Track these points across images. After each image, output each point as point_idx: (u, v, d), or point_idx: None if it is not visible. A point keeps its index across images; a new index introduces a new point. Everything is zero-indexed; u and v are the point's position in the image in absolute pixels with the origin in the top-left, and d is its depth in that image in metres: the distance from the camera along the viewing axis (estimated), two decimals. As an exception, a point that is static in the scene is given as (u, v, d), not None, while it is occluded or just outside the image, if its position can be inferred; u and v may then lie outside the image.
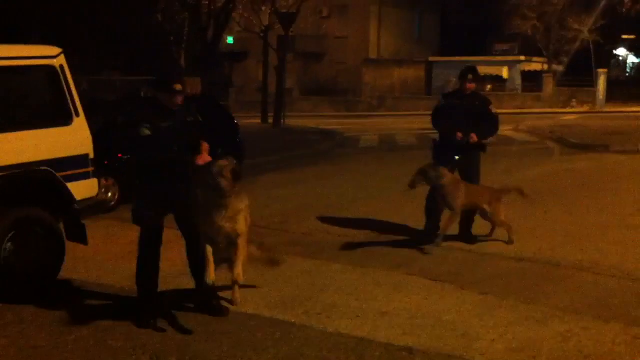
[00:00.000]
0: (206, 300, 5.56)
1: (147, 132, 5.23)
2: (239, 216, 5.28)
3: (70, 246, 6.48)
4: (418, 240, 7.68)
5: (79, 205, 6.47)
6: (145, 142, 5.26)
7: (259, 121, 27.07)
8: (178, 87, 5.33)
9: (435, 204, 7.60)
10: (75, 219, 6.42)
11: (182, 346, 4.95)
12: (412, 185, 7.42)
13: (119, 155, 10.16)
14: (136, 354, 4.83)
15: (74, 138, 6.63)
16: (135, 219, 5.53)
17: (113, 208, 9.80)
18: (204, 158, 5.29)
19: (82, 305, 5.92)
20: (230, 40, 37.08)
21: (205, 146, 5.38)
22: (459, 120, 7.61)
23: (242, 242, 5.33)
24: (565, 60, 39.90)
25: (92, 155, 6.77)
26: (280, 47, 25.64)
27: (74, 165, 6.54)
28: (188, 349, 4.90)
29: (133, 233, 8.51)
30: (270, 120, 26.61)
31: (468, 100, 7.78)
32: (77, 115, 6.69)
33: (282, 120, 25.69)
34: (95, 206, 6.97)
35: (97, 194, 6.97)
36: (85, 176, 6.67)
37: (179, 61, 28.76)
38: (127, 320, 5.40)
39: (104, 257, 7.34)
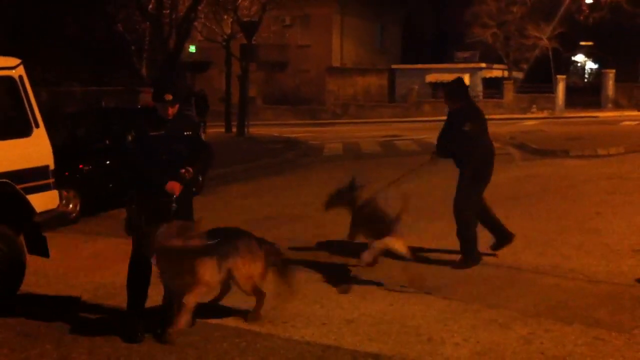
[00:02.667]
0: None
1: (129, 137, 5.38)
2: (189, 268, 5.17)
3: (31, 259, 6.37)
4: None
5: (40, 217, 6.38)
6: (128, 149, 5.40)
7: (223, 130, 26.98)
8: (168, 97, 5.32)
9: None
10: (35, 231, 6.33)
11: (147, 358, 4.90)
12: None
13: (80, 166, 10.06)
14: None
15: (34, 149, 6.54)
16: (128, 229, 5.46)
17: (74, 220, 9.69)
18: (172, 186, 5.29)
19: (44, 319, 5.80)
20: (192, 49, 36.85)
21: (182, 173, 5.35)
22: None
23: (197, 290, 5.23)
24: (525, 67, 40.59)
25: (52, 167, 6.69)
26: (243, 56, 25.61)
27: (34, 176, 6.45)
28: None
29: (95, 245, 8.46)
30: (234, 130, 26.54)
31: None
32: (37, 126, 6.62)
33: (246, 130, 25.66)
34: (56, 218, 6.90)
35: (58, 206, 6.89)
36: (45, 188, 6.59)
37: (141, 71, 28.52)
38: (90, 333, 5.33)
39: (65, 270, 7.23)
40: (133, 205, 5.39)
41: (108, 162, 10.75)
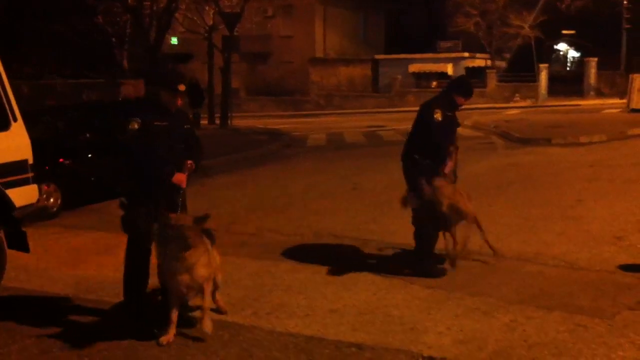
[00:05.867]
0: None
1: (136, 126, 5.17)
2: (199, 263, 5.00)
3: (11, 255, 6.31)
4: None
5: (19, 212, 6.31)
6: (133, 136, 5.18)
7: (206, 122, 26.85)
8: (182, 87, 5.28)
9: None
10: (15, 226, 6.26)
11: (129, 352, 4.87)
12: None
13: (61, 160, 9.97)
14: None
15: (12, 143, 6.46)
16: (125, 223, 5.33)
17: (55, 214, 9.61)
18: (180, 178, 5.26)
19: (25, 314, 5.75)
20: (174, 41, 36.65)
21: (187, 167, 5.34)
22: None
23: (207, 287, 5.09)
24: (508, 56, 40.71)
25: (31, 161, 6.61)
26: (225, 47, 25.46)
27: (12, 171, 6.37)
28: (135, 354, 4.82)
29: (76, 239, 8.40)
30: (217, 121, 26.42)
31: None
32: (15, 120, 6.53)
33: (229, 121, 25.55)
34: (36, 213, 6.82)
35: (38, 200, 6.81)
36: (24, 182, 6.51)
37: (122, 63, 28.32)
38: (71, 328, 5.29)
39: (46, 264, 7.17)
40: (130, 199, 5.30)
41: (89, 156, 10.67)
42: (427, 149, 6.60)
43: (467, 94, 6.78)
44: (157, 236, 5.04)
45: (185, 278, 4.91)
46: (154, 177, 5.24)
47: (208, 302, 5.06)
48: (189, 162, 5.38)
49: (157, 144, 5.22)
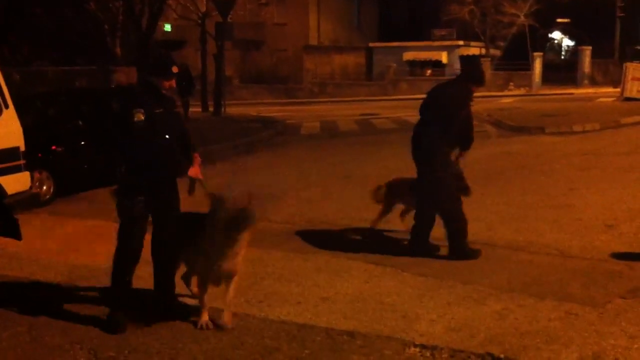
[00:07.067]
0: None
1: (142, 117, 5.00)
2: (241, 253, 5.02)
3: (3, 242, 6.29)
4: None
5: (11, 199, 6.30)
6: (140, 128, 5.01)
7: (199, 110, 26.77)
8: (175, 69, 5.22)
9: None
10: (7, 213, 6.24)
11: (121, 340, 4.86)
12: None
13: (53, 147, 9.93)
14: (73, 349, 4.73)
15: (3, 130, 6.44)
16: (120, 210, 5.18)
17: (47, 202, 9.57)
18: (196, 171, 5.23)
19: (17, 302, 5.74)
20: (167, 28, 36.47)
21: (198, 159, 5.32)
22: None
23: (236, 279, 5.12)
24: (502, 44, 40.67)
25: (23, 148, 6.59)
26: (218, 34, 25.33)
27: (4, 158, 6.36)
28: (126, 342, 4.82)
29: (69, 227, 8.37)
30: (211, 109, 26.34)
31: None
32: (6, 107, 6.51)
33: (223, 109, 25.46)
34: (28, 200, 6.82)
35: (30, 188, 6.80)
36: (16, 169, 6.50)
37: (114, 50, 28.16)
38: (63, 316, 5.29)
39: (38, 252, 7.14)
40: (127, 189, 5.16)
41: (82, 143, 10.62)
42: (450, 138, 6.54)
43: (482, 82, 6.76)
44: (210, 220, 4.92)
45: (229, 265, 4.94)
46: (163, 168, 5.12)
47: (231, 295, 5.09)
48: (196, 153, 5.32)
49: (162, 134, 5.11)
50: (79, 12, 29.35)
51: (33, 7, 29.40)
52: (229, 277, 5.06)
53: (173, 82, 5.26)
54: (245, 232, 4.88)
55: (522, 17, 37.85)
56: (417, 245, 6.80)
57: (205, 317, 5.04)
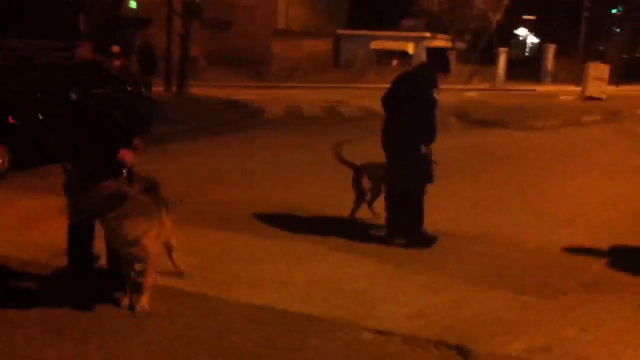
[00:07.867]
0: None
1: (74, 97, 4.90)
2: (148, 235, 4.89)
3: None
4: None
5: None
6: (73, 108, 4.91)
7: (162, 89, 26.38)
8: (116, 49, 5.04)
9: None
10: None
11: (77, 319, 4.77)
12: None
13: (10, 120, 9.71)
14: (34, 326, 4.64)
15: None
16: (67, 189, 5.08)
17: (2, 176, 9.36)
18: (125, 154, 5.06)
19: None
20: (133, 5, 35.84)
21: (138, 144, 5.19)
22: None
23: (152, 264, 4.96)
24: (468, 38, 40.94)
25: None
26: (185, 13, 25.00)
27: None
28: (82, 323, 4.73)
29: (26, 201, 8.19)
30: (174, 89, 25.99)
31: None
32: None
33: (186, 89, 25.14)
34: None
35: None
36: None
37: (79, 27, 27.57)
38: (29, 295, 5.19)
39: (-2, 228, 6.98)
40: (73, 166, 5.07)
41: (40, 117, 10.38)
42: (415, 125, 6.53)
43: (447, 70, 6.73)
44: (108, 203, 4.87)
45: (133, 249, 4.83)
46: (100, 149, 5.01)
47: (149, 281, 4.97)
48: (139, 139, 5.20)
49: (100, 114, 4.97)
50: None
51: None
52: (132, 260, 4.96)
53: (117, 62, 5.09)
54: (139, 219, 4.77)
55: (490, 12, 38.13)
56: (392, 230, 6.82)
57: (126, 301, 4.97)
